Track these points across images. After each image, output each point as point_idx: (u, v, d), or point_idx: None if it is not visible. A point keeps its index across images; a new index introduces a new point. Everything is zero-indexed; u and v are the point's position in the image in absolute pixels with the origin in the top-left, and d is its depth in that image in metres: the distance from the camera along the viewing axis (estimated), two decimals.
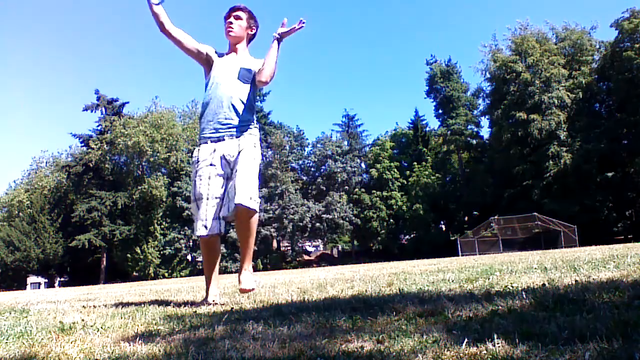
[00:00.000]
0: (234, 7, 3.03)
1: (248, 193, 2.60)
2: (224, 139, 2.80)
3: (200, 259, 36.37)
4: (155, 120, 34.99)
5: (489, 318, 1.32)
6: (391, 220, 38.98)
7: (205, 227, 2.72)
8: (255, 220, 2.72)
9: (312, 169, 40.66)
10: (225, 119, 2.82)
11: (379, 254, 38.24)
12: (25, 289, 33.34)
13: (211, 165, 2.79)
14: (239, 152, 2.75)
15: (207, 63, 3.03)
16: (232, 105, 2.83)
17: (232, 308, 2.30)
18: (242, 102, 2.86)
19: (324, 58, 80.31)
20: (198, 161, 2.85)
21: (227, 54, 3.05)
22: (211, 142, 2.83)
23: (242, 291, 2.76)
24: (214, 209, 2.75)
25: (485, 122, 40.24)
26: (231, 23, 2.99)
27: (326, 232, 37.92)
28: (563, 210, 28.11)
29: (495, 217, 28.30)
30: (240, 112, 2.84)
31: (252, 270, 2.88)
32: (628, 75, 29.85)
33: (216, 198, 2.75)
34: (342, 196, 37.67)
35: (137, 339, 1.45)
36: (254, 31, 3.08)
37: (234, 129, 2.81)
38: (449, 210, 38.30)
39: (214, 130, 2.83)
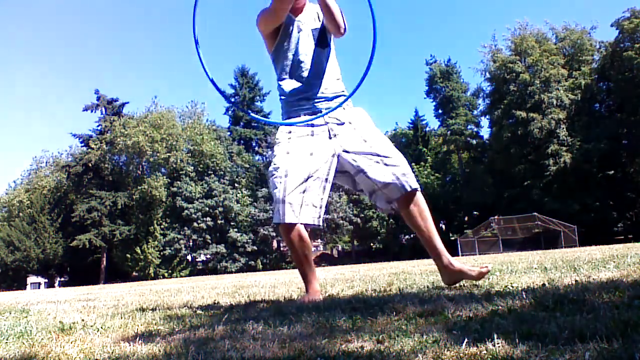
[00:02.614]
0: None
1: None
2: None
3: (200, 259, 36.35)
4: (155, 120, 35.00)
5: (489, 318, 1.32)
6: (391, 220, 38.98)
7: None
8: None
9: None
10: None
11: (379, 254, 38.25)
12: (25, 289, 33.36)
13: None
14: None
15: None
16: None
17: (232, 308, 2.30)
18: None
19: None
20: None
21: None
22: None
23: (480, 275, 2.17)
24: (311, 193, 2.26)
25: (485, 122, 40.32)
26: None
27: (326, 232, 37.92)
28: (563, 210, 28.12)
29: (495, 217, 28.30)
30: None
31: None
32: (628, 75, 29.86)
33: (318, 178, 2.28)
34: (341, 196, 37.68)
35: (137, 339, 1.45)
36: None
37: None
38: (449, 210, 38.28)
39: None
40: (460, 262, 2.29)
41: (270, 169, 2.34)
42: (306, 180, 2.25)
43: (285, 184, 2.25)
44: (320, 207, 2.28)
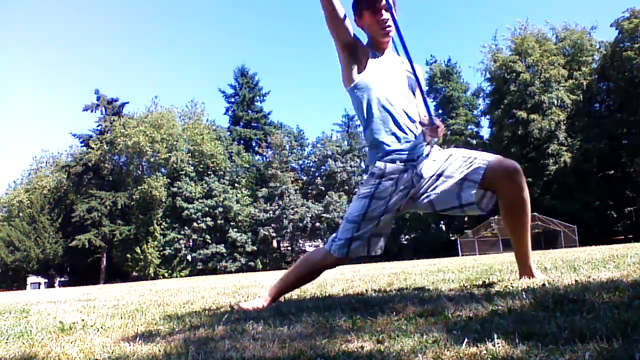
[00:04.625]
0: None
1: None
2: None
3: (200, 259, 36.34)
4: (155, 120, 35.02)
5: (489, 318, 1.32)
6: None
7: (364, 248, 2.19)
8: None
9: (312, 169, 40.69)
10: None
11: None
12: (25, 289, 33.36)
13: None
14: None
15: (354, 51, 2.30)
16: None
17: (232, 308, 2.30)
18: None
19: (324, 58, 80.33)
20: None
21: (378, 53, 2.34)
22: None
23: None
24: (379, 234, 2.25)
25: (485, 122, 40.27)
26: (387, 20, 2.28)
27: (326, 232, 37.92)
28: (563, 210, 28.13)
29: (495, 217, 28.27)
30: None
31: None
32: (628, 75, 29.85)
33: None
34: (341, 196, 37.71)
35: (137, 339, 1.45)
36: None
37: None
38: None
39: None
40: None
41: (350, 210, 2.23)
42: (378, 220, 2.19)
43: (359, 227, 2.18)
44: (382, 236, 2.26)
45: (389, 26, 2.27)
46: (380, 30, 2.28)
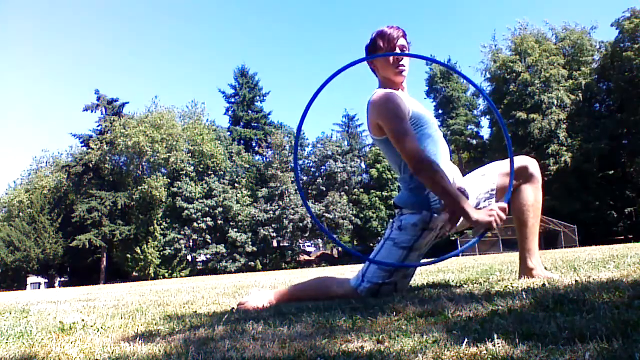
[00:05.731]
0: (399, 34, 2.27)
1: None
2: None
3: (200, 259, 36.35)
4: (155, 120, 35.01)
5: (489, 318, 1.32)
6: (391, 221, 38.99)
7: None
8: None
9: (312, 169, 40.67)
10: None
11: None
12: (25, 289, 33.36)
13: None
14: None
15: None
16: None
17: (232, 308, 2.30)
18: None
19: (324, 58, 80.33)
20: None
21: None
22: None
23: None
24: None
25: (485, 122, 40.32)
26: (401, 59, 2.26)
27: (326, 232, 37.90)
28: (563, 209, 28.13)
29: None
30: None
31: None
32: (628, 75, 29.85)
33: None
34: (342, 196, 37.71)
35: (137, 339, 1.45)
36: None
37: None
38: None
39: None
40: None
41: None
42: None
43: (392, 274, 2.17)
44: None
45: (403, 65, 2.27)
46: (394, 69, 2.27)
